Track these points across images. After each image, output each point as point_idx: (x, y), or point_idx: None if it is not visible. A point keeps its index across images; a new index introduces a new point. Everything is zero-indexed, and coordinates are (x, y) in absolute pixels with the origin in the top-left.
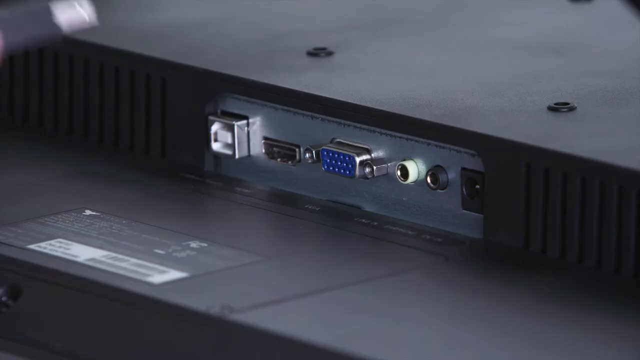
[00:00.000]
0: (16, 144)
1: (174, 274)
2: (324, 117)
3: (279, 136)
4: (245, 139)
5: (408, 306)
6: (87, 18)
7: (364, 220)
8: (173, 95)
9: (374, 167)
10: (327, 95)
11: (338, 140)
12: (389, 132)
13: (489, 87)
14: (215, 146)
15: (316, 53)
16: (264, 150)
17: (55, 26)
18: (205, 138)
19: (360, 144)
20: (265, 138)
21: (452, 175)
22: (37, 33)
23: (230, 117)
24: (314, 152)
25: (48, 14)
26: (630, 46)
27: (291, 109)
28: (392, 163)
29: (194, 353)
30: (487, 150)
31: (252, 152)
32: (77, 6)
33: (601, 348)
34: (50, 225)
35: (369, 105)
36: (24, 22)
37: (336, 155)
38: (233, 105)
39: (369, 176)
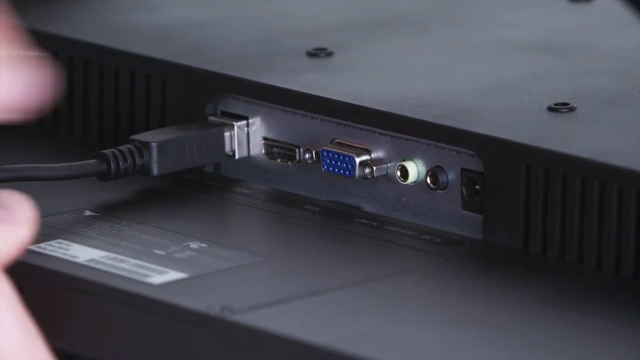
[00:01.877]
0: (16, 144)
1: (173, 275)
2: (324, 117)
3: (279, 136)
4: (245, 139)
5: (408, 307)
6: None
7: (363, 221)
8: (173, 95)
9: (374, 168)
10: (327, 96)
11: (338, 140)
12: (389, 133)
13: (489, 87)
14: None
15: (316, 53)
16: (263, 151)
17: (221, 152)
18: None
19: (360, 144)
20: (265, 138)
21: (452, 175)
22: (204, 154)
23: (230, 118)
24: (313, 152)
25: (220, 138)
26: (630, 46)
27: (291, 109)
28: (392, 163)
29: (194, 353)
30: (486, 151)
31: (252, 153)
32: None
33: (601, 348)
34: (50, 225)
35: (369, 105)
36: (197, 142)
37: (336, 156)
38: (233, 105)
39: (369, 176)
